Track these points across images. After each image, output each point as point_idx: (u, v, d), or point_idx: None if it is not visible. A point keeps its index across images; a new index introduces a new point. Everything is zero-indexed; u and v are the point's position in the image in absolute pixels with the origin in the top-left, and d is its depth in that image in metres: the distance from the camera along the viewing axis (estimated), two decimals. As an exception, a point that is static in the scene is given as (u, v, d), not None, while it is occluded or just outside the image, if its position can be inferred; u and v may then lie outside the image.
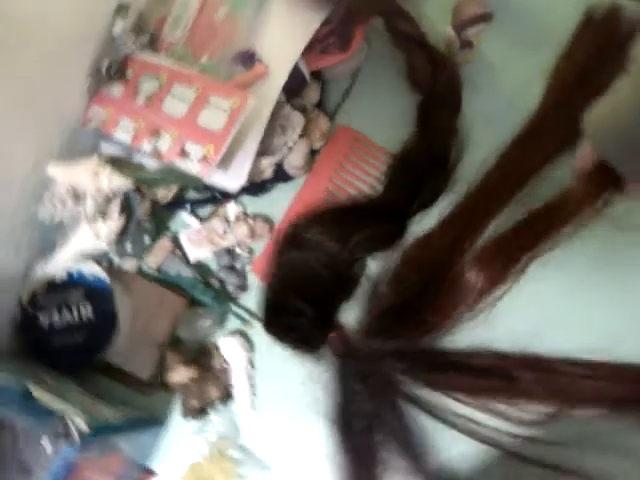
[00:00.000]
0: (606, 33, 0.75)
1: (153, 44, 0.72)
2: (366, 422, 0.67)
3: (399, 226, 0.73)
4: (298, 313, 0.68)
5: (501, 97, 0.78)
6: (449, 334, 0.69)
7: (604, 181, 0.66)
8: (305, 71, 0.72)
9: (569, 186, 0.68)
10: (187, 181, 0.70)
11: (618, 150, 0.62)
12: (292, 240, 0.69)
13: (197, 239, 0.74)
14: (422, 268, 0.70)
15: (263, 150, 0.71)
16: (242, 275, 0.74)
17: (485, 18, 0.72)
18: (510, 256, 0.69)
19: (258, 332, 0.73)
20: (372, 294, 0.70)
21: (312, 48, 0.73)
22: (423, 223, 0.73)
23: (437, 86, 0.74)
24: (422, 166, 0.73)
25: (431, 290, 0.70)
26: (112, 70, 0.70)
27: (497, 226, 0.71)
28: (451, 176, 0.74)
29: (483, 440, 0.65)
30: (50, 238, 0.72)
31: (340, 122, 0.78)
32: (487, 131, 0.75)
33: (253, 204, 0.77)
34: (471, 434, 0.65)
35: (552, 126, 0.74)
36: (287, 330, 0.69)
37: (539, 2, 0.78)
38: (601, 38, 0.75)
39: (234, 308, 0.74)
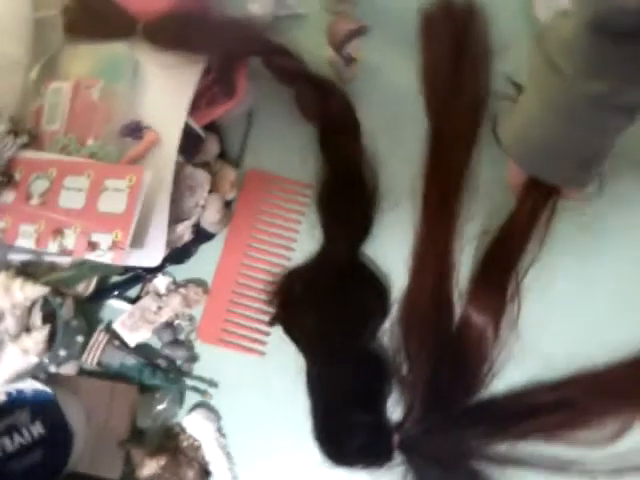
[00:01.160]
0: (451, 27, 0.75)
1: (34, 139, 0.70)
2: None
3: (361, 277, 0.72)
4: (355, 426, 0.66)
5: (396, 101, 0.78)
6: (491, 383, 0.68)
7: (541, 190, 0.67)
8: (197, 128, 0.71)
9: (515, 203, 0.69)
10: (105, 270, 0.67)
11: (538, 163, 0.63)
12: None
13: (132, 322, 0.71)
14: (425, 333, 0.68)
15: (176, 216, 0.69)
16: (188, 346, 0.72)
17: (360, 32, 0.72)
18: (499, 284, 0.68)
19: (219, 398, 0.71)
20: (399, 382, 0.68)
21: (198, 103, 0.71)
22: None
23: (329, 113, 0.74)
24: (343, 199, 0.72)
25: (450, 350, 0.68)
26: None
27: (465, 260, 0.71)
28: (375, 196, 0.74)
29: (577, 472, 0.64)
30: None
31: (249, 166, 0.77)
32: (393, 139, 0.75)
33: (181, 270, 0.75)
34: (562, 469, 0.64)
35: (449, 127, 0.74)
36: (354, 451, 0.65)
37: (406, 4, 0.78)
38: (448, 32, 0.75)
39: (189, 382, 0.71)
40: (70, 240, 0.62)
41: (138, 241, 0.64)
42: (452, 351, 0.68)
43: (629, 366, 0.67)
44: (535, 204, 0.67)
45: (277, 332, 0.71)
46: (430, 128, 0.74)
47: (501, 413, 0.67)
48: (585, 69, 0.52)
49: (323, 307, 0.70)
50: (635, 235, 0.72)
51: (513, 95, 0.71)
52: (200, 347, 0.73)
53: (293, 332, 0.69)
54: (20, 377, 0.66)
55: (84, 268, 0.66)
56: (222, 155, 0.76)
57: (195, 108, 0.70)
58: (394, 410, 0.68)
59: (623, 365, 0.67)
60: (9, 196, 0.67)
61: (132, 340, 0.71)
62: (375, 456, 0.65)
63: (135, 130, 0.69)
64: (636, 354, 0.67)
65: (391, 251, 0.73)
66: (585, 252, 0.71)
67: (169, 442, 0.70)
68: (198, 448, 0.69)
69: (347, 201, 0.73)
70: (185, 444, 0.69)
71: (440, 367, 0.67)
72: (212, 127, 0.74)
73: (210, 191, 0.72)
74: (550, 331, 0.69)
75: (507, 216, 0.69)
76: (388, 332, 0.70)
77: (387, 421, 0.67)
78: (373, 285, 0.71)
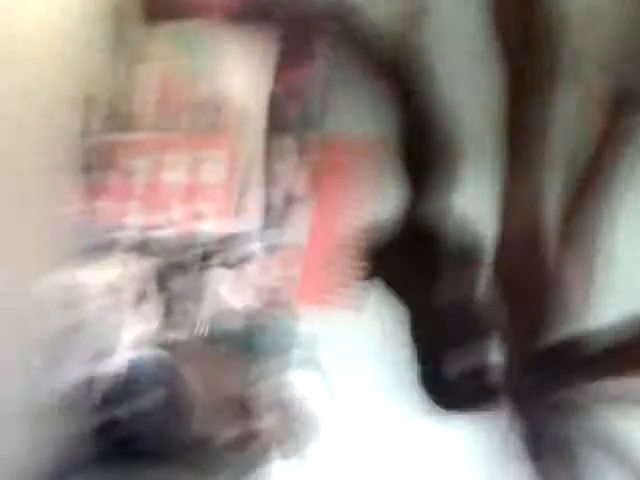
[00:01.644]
0: None
1: (130, 123, 0.73)
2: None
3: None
4: (461, 371, 0.68)
5: (469, 49, 0.76)
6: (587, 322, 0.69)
7: (629, 106, 0.66)
8: (280, 92, 0.72)
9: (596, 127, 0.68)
10: (207, 238, 0.70)
11: (629, 71, 0.62)
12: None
13: (236, 287, 0.74)
14: (521, 277, 0.70)
15: (267, 182, 0.71)
16: (289, 306, 0.74)
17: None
18: (590, 216, 0.68)
19: (322, 353, 0.73)
20: (500, 328, 0.70)
21: (279, 67, 0.72)
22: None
23: (400, 73, 0.75)
24: (422, 151, 0.74)
25: (547, 292, 0.69)
26: (100, 161, 0.70)
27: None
28: (455, 146, 0.74)
29: None
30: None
31: (330, 128, 0.78)
32: (469, 88, 0.75)
33: (276, 236, 0.77)
34: None
35: (525, 65, 0.73)
36: (462, 395, 0.68)
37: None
38: None
39: (292, 340, 0.74)
40: (177, 213, 0.65)
41: (239, 209, 0.66)
42: (547, 294, 0.68)
43: None
44: (621, 121, 0.67)
45: (373, 287, 0.73)
46: (504, 72, 0.74)
47: (599, 350, 0.67)
48: None
49: (413, 260, 0.71)
50: None
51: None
52: (300, 306, 0.75)
53: (388, 286, 0.71)
54: (141, 344, 0.70)
55: (189, 238, 0.69)
56: (305, 119, 0.77)
57: (276, 73, 0.71)
58: (497, 356, 0.69)
59: None
60: (111, 179, 0.71)
61: (238, 304, 0.74)
62: (482, 400, 0.67)
63: (222, 102, 0.71)
64: None
65: (478, 200, 0.73)
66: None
67: (280, 398, 0.72)
68: (307, 402, 0.72)
69: (426, 153, 0.73)
70: (295, 399, 0.72)
71: (538, 309, 0.68)
72: (293, 92, 0.76)
73: (297, 156, 0.73)
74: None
75: (590, 143, 0.69)
76: (485, 280, 0.71)
77: (492, 365, 0.69)
78: (461, 235, 0.72)
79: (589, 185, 0.69)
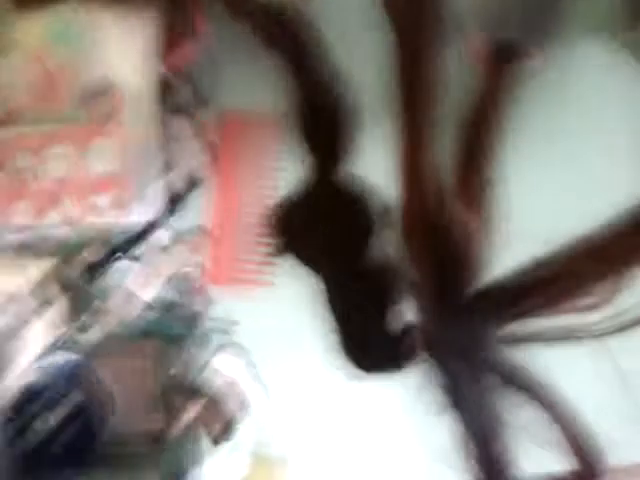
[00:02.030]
0: None
1: (8, 118, 0.68)
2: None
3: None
4: (377, 332, 0.69)
5: (359, 15, 0.77)
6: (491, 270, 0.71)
7: (504, 57, 0.69)
8: (166, 74, 0.70)
9: (479, 80, 0.70)
10: (106, 231, 0.67)
11: (500, 21, 0.64)
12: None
13: (143, 279, 0.72)
14: (424, 236, 0.71)
15: (165, 167, 0.69)
16: (202, 291, 0.73)
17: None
18: (479, 170, 0.71)
19: (243, 334, 0.73)
20: (410, 285, 0.71)
21: (161, 49, 0.70)
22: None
23: (289, 40, 0.74)
24: (319, 122, 0.74)
25: (450, 247, 0.70)
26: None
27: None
28: (351, 114, 0.75)
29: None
30: None
31: (224, 106, 0.76)
32: (362, 54, 0.75)
33: (179, 220, 0.75)
34: (570, 337, 0.68)
35: (413, 27, 0.74)
36: (379, 355, 0.70)
37: None
38: None
39: (209, 325, 0.73)
40: (69, 207, 0.62)
41: (138, 197, 0.64)
42: (451, 247, 0.71)
43: (615, 230, 0.71)
44: (501, 72, 0.69)
45: (284, 261, 0.73)
46: (396, 31, 0.74)
47: (509, 293, 0.70)
48: None
49: (322, 228, 0.72)
50: (597, 101, 0.74)
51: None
52: (213, 290, 0.74)
53: (299, 257, 0.71)
54: (50, 350, 0.67)
55: (87, 233, 0.66)
56: (198, 99, 0.75)
57: (159, 55, 0.69)
58: (411, 313, 0.71)
59: (607, 230, 0.70)
60: (-5, 178, 0.67)
61: (147, 296, 0.72)
62: (400, 357, 0.69)
63: (104, 89, 0.68)
64: (619, 218, 0.71)
65: (378, 165, 0.74)
66: (554, 123, 0.73)
67: (204, 384, 0.72)
68: (233, 384, 0.71)
69: (324, 123, 0.74)
70: (220, 382, 0.71)
71: (444, 262, 0.70)
72: (180, 73, 0.73)
73: (193, 137, 0.72)
74: (537, 209, 0.72)
75: (474, 96, 0.71)
76: (390, 241, 0.72)
77: (405, 323, 0.70)
78: (365, 199, 0.73)
79: (477, 138, 0.72)
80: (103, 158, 0.62)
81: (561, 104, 0.74)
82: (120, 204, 0.61)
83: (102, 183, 0.62)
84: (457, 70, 0.73)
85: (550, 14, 0.66)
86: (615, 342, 0.69)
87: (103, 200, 0.62)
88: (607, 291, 0.70)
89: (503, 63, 0.70)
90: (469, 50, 0.71)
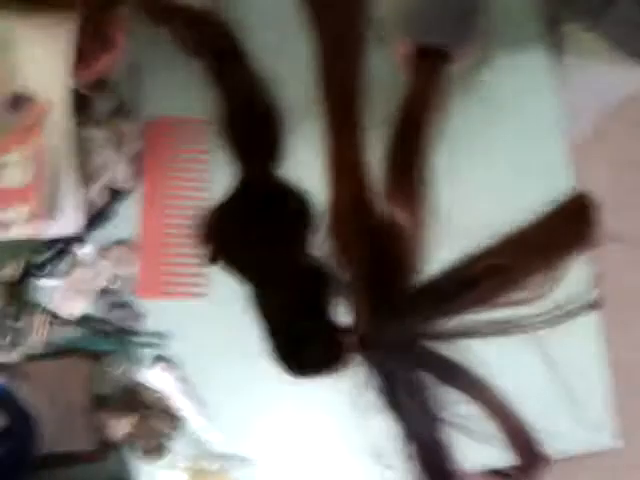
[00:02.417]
0: None
1: None
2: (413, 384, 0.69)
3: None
4: (309, 335, 0.68)
5: (279, 17, 0.78)
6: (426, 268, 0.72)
7: (430, 60, 0.70)
8: (85, 87, 0.68)
9: (407, 83, 0.72)
10: (27, 247, 0.65)
11: (422, 26, 0.65)
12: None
13: (68, 297, 0.70)
14: (355, 237, 0.71)
15: (86, 179, 0.68)
16: (131, 306, 0.72)
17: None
18: (410, 170, 0.72)
19: (176, 348, 0.71)
20: (342, 287, 0.71)
21: (80, 61, 0.68)
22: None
23: (211, 45, 0.73)
24: (246, 127, 0.73)
25: (382, 247, 0.71)
26: None
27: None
28: (277, 117, 0.74)
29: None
30: None
31: (148, 115, 0.75)
32: (284, 57, 0.76)
33: (105, 234, 0.73)
34: (506, 331, 0.70)
35: (333, 29, 0.75)
36: (315, 360, 0.69)
37: None
38: None
39: (140, 340, 0.71)
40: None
41: (54, 210, 0.62)
42: (383, 247, 0.71)
43: (541, 224, 0.72)
44: (428, 74, 0.71)
45: (214, 271, 0.72)
46: (316, 36, 0.75)
47: (442, 291, 0.71)
48: None
49: (252, 233, 0.71)
50: (524, 99, 0.76)
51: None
52: (143, 304, 0.72)
53: (230, 264, 0.70)
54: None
55: (6, 249, 0.64)
56: (119, 109, 0.74)
57: (78, 67, 0.67)
58: (345, 314, 0.71)
59: (536, 224, 0.72)
60: None
61: (72, 314, 0.70)
62: (335, 359, 0.68)
63: (20, 101, 0.66)
64: (546, 212, 0.72)
65: (306, 167, 0.74)
66: (483, 121, 0.75)
67: (134, 401, 0.70)
68: (164, 399, 0.70)
69: (250, 128, 0.73)
70: (151, 399, 0.70)
71: (376, 263, 0.70)
72: (102, 83, 0.72)
73: (114, 149, 0.70)
74: (467, 206, 0.73)
75: (404, 95, 0.72)
76: (321, 243, 0.72)
77: (339, 325, 0.70)
78: (295, 200, 0.72)
79: (408, 138, 0.72)
80: (17, 171, 0.60)
81: (489, 103, 0.75)
82: (35, 219, 0.59)
83: (16, 195, 0.60)
84: (388, 72, 0.74)
85: (473, 17, 0.67)
86: (545, 334, 0.70)
87: (18, 213, 0.60)
88: (540, 285, 0.71)
89: (429, 65, 0.71)
90: (396, 54, 0.71)
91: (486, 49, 0.75)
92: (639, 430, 0.75)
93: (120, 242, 0.72)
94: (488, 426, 0.69)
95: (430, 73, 0.71)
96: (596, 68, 0.78)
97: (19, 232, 0.60)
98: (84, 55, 0.70)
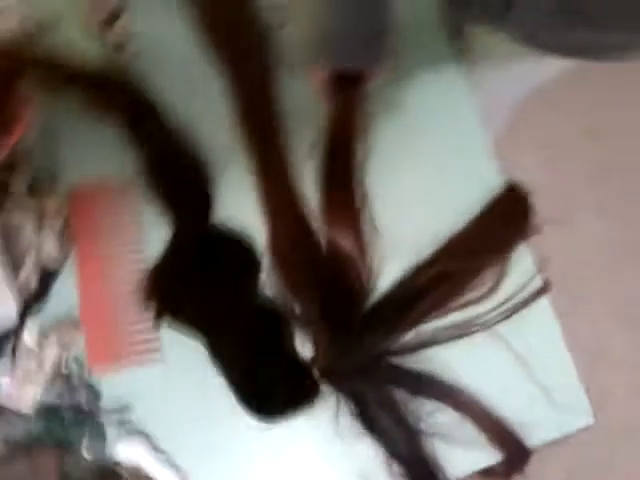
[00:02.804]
0: None
1: None
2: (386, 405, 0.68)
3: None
4: (272, 378, 0.67)
5: (187, 64, 0.77)
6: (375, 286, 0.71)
7: (347, 83, 0.70)
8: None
9: (327, 108, 0.72)
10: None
11: (335, 50, 0.65)
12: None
13: (17, 389, 0.66)
14: (300, 269, 0.70)
15: (13, 265, 0.65)
16: (86, 385, 0.69)
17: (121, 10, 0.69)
18: (344, 193, 0.72)
19: (141, 417, 0.69)
20: (296, 321, 0.70)
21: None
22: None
23: (122, 107, 0.71)
24: (171, 179, 0.72)
25: (328, 274, 0.70)
26: None
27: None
28: (202, 163, 0.73)
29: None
30: None
31: (68, 183, 0.73)
32: (199, 101, 0.75)
33: (43, 317, 0.70)
34: (464, 332, 0.70)
35: (242, 68, 0.75)
36: (282, 401, 0.67)
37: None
38: None
39: (102, 419, 0.68)
40: None
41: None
42: (330, 274, 0.70)
43: (479, 222, 0.73)
44: (345, 97, 0.71)
45: (166, 332, 0.70)
46: (227, 78, 0.75)
47: (394, 307, 0.71)
48: None
49: (197, 285, 0.69)
50: (439, 106, 0.77)
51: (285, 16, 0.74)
52: (99, 380, 0.69)
53: (179, 322, 0.68)
54: None
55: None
56: (35, 185, 0.71)
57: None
58: (304, 348, 0.70)
59: (469, 227, 0.73)
60: None
61: (25, 406, 0.66)
62: (303, 397, 0.67)
63: None
64: (480, 210, 0.74)
65: (240, 207, 0.73)
66: (404, 134, 0.76)
67: (109, 474, 0.67)
68: (139, 471, 0.67)
69: (176, 179, 0.72)
70: (126, 474, 0.67)
71: (325, 292, 0.69)
72: (11, 161, 0.69)
73: (37, 227, 0.67)
74: (404, 218, 0.74)
75: (327, 121, 0.72)
76: (268, 282, 0.71)
77: (301, 360, 0.69)
78: (235, 245, 0.71)
79: (339, 161, 0.72)
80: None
81: (407, 116, 0.77)
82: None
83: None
84: (306, 101, 0.74)
85: (382, 36, 0.67)
86: (505, 328, 0.71)
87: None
88: (488, 282, 0.72)
89: (346, 88, 0.72)
90: (311, 80, 0.72)
91: (398, 64, 0.75)
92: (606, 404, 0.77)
93: (63, 320, 0.69)
94: (468, 429, 0.68)
95: (347, 95, 0.72)
96: (502, 65, 0.80)
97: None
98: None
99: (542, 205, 0.75)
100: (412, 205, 0.75)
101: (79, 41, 0.75)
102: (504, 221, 0.74)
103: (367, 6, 0.62)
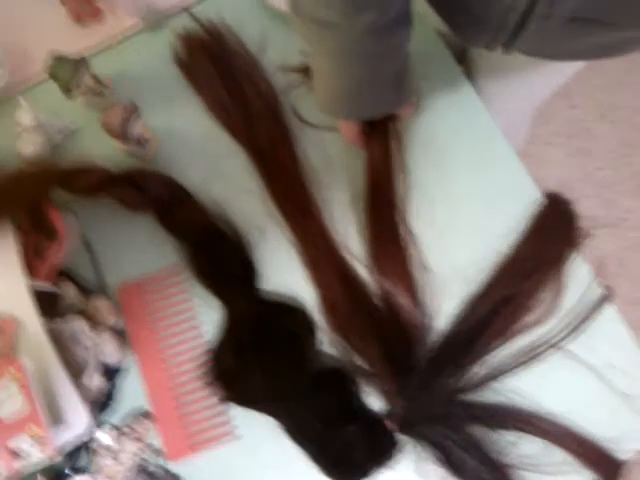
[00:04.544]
0: (207, 57, 0.80)
1: None
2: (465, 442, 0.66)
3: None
4: (350, 441, 0.65)
5: (206, 148, 0.79)
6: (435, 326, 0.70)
7: (379, 127, 0.71)
8: (44, 285, 0.68)
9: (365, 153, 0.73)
10: (44, 463, 0.63)
11: (363, 106, 0.66)
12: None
13: (102, 490, 0.67)
14: (356, 324, 0.70)
15: (76, 371, 0.66)
16: (166, 473, 0.69)
17: (133, 111, 0.72)
18: (391, 237, 0.71)
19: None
20: (363, 377, 0.69)
21: (30, 262, 0.68)
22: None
23: (153, 198, 0.73)
24: (214, 260, 0.73)
25: (386, 322, 0.69)
26: None
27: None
28: (240, 238, 0.74)
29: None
30: None
31: (115, 284, 0.75)
32: (225, 181, 0.77)
33: (114, 414, 0.71)
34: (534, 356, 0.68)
35: (260, 140, 0.76)
36: (363, 461, 0.66)
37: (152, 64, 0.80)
38: (207, 63, 0.79)
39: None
40: (-6, 464, 0.58)
41: (57, 418, 0.61)
42: (387, 321, 0.70)
43: (528, 240, 0.72)
44: (382, 140, 0.71)
45: (238, 411, 0.70)
46: (246, 151, 0.76)
47: (458, 343, 0.69)
48: (346, 7, 0.54)
49: (258, 360, 0.69)
50: (460, 131, 0.77)
51: (298, 78, 0.75)
52: (179, 467, 0.70)
53: (246, 400, 0.69)
54: None
55: (26, 474, 0.62)
56: (84, 290, 0.73)
57: (31, 268, 0.67)
58: (375, 403, 0.69)
59: (518, 247, 0.72)
60: None
61: (112, 505, 0.67)
62: (383, 452, 0.66)
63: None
64: (526, 228, 0.72)
65: (285, 274, 0.74)
66: (434, 165, 0.76)
67: None
68: None
69: (218, 259, 0.73)
70: None
71: (385, 341, 0.68)
72: (59, 271, 0.72)
73: (93, 329, 0.69)
74: (447, 252, 0.73)
75: (365, 169, 0.72)
76: (327, 343, 0.70)
77: (374, 416, 0.68)
78: (289, 312, 0.71)
79: (381, 204, 0.72)
80: (8, 398, 0.59)
81: (433, 147, 0.76)
82: (41, 439, 0.58)
83: (16, 424, 0.58)
84: (337, 152, 0.76)
85: (407, 76, 0.67)
86: (574, 344, 0.69)
87: (23, 440, 0.58)
88: (549, 300, 0.70)
89: (381, 132, 0.72)
90: (343, 133, 0.72)
91: (419, 97, 0.76)
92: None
93: (134, 415, 0.71)
94: (556, 455, 0.66)
95: (384, 138, 0.72)
96: (515, 77, 0.79)
97: (31, 458, 0.58)
98: (34, 252, 0.70)
99: (585, 205, 0.73)
100: (454, 235, 0.74)
101: (99, 144, 0.78)
102: (552, 234, 0.72)
103: (390, 55, 0.62)
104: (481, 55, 0.81)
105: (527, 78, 0.78)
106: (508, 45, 0.63)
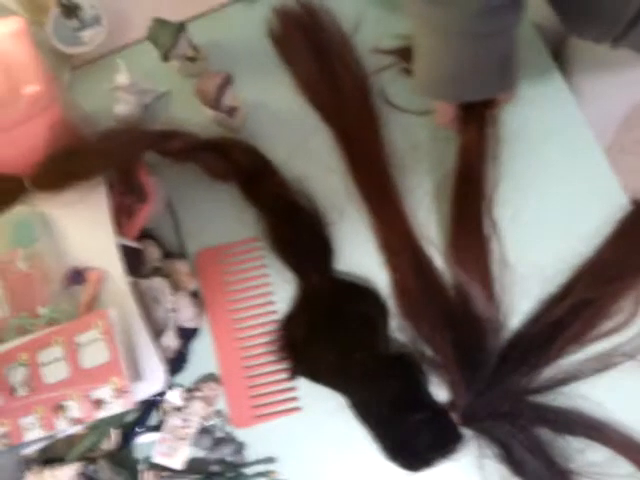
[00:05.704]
0: (301, 34, 0.79)
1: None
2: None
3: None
4: (415, 427, 0.65)
5: (293, 124, 0.79)
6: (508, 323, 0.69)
7: (476, 111, 0.69)
8: (130, 242, 0.70)
9: (458, 138, 0.72)
10: (119, 417, 0.66)
11: (464, 88, 0.65)
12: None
13: (168, 447, 0.70)
14: (429, 311, 0.69)
15: (155, 331, 0.68)
16: (231, 439, 0.71)
17: (227, 81, 0.72)
18: (474, 226, 0.70)
19: (286, 469, 0.70)
20: (430, 365, 0.69)
21: (119, 220, 0.70)
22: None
23: (238, 167, 0.74)
24: (292, 234, 0.73)
25: (459, 313, 0.69)
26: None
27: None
28: (319, 215, 0.75)
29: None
30: None
31: (194, 250, 0.77)
32: (309, 157, 0.77)
33: (186, 376, 0.73)
34: (607, 365, 0.66)
35: (348, 121, 0.75)
36: (427, 449, 0.66)
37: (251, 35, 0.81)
38: (301, 40, 0.79)
39: (249, 471, 0.70)
40: (74, 410, 0.61)
41: (135, 375, 0.63)
42: (460, 313, 0.69)
43: (612, 245, 0.70)
44: (477, 126, 0.70)
45: (303, 383, 0.71)
46: (333, 130, 0.76)
47: (531, 342, 0.68)
48: None
49: (329, 337, 0.70)
50: (552, 126, 0.75)
51: (390, 61, 0.74)
52: (242, 433, 0.71)
53: (315, 375, 0.69)
54: None
55: (101, 426, 0.64)
56: (166, 253, 0.75)
57: (119, 226, 0.69)
58: (440, 393, 0.69)
59: (602, 251, 0.69)
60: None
61: (177, 463, 0.70)
62: (446, 443, 0.66)
63: (76, 277, 0.68)
64: (611, 232, 0.71)
65: (361, 257, 0.74)
66: (522, 159, 0.74)
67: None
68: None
69: (297, 234, 0.73)
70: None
71: (457, 333, 0.68)
72: (143, 234, 0.74)
73: (173, 291, 0.71)
74: (531, 249, 0.71)
75: (456, 154, 0.71)
76: (398, 328, 0.71)
77: (440, 406, 0.68)
78: (363, 294, 0.71)
79: (470, 194, 0.71)
80: (93, 349, 0.61)
81: (522, 139, 0.75)
82: (121, 391, 0.60)
83: (99, 375, 0.61)
84: (424, 138, 0.75)
85: (513, 59, 0.66)
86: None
87: (105, 392, 0.61)
88: (628, 307, 0.68)
89: (478, 117, 0.71)
90: (439, 116, 0.71)
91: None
92: None
93: (204, 379, 0.73)
94: (622, 466, 0.65)
95: (480, 124, 0.71)
96: (610, 77, 0.77)
97: (110, 409, 0.61)
98: (122, 212, 0.72)
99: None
100: (536, 232, 0.72)
101: (188, 109, 0.79)
102: (637, 241, 0.70)
103: (499, 37, 0.61)
104: (581, 51, 0.78)
105: (624, 78, 0.76)
106: (619, 39, 0.61)
